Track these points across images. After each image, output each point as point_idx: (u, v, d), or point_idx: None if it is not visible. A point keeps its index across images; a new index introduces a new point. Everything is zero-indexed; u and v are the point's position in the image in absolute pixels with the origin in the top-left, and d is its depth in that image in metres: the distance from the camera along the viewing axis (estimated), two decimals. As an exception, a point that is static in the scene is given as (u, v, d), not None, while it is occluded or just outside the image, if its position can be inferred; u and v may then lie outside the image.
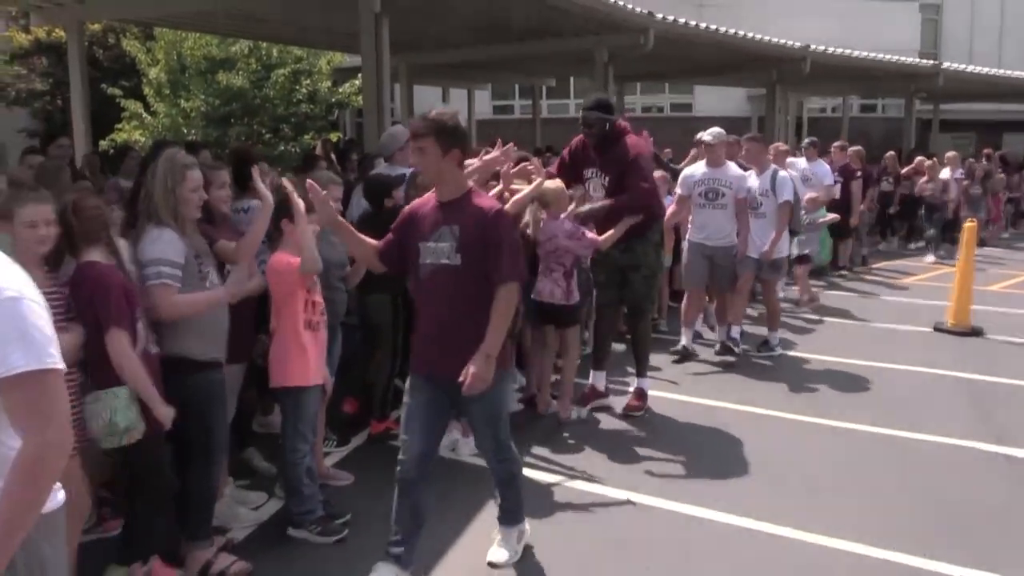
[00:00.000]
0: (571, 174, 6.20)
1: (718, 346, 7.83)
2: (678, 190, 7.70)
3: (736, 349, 7.60)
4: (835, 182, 11.54)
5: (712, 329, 8.43)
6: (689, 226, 7.74)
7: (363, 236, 4.02)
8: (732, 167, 7.63)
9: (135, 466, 3.74)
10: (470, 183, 3.82)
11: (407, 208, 3.97)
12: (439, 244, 3.62)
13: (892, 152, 15.76)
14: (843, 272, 12.56)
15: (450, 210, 3.66)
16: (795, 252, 10.03)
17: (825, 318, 9.68)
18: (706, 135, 7.57)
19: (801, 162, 11.13)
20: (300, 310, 4.25)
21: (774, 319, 8.06)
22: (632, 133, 6.10)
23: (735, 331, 7.71)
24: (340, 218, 3.99)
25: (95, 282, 3.44)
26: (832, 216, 10.76)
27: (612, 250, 5.98)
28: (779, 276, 8.33)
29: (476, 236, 3.58)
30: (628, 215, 5.84)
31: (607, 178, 5.97)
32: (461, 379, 3.52)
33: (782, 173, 7.81)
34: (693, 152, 8.77)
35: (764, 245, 7.63)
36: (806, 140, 12.04)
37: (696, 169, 7.64)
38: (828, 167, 11.46)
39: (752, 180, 7.72)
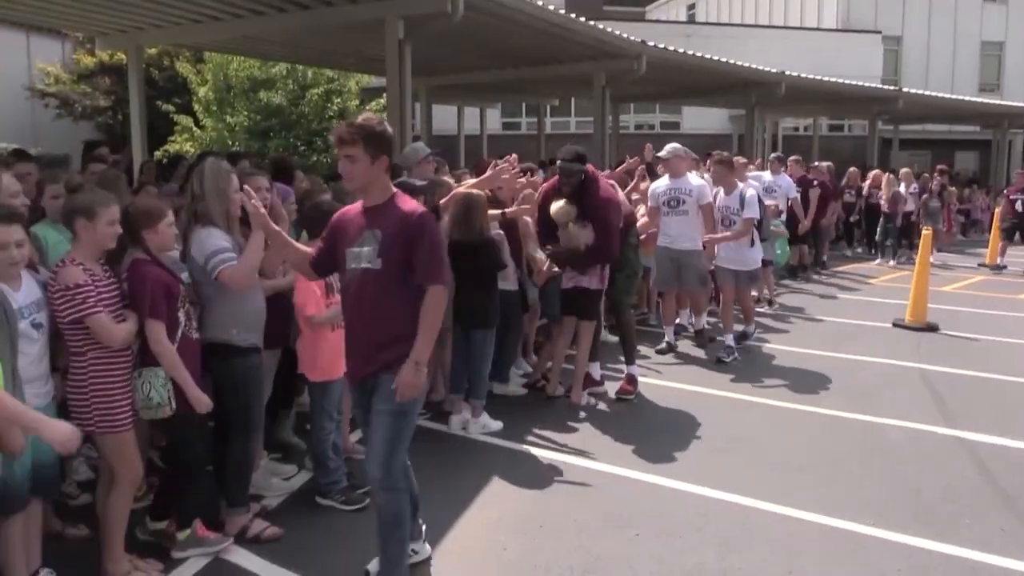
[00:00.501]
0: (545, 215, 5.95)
1: (706, 340, 7.77)
2: (648, 203, 7.46)
3: (727, 359, 7.20)
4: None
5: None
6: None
7: (298, 245, 3.69)
8: (692, 177, 7.39)
9: (168, 439, 3.76)
10: (393, 188, 3.36)
11: (335, 216, 3.53)
12: (362, 248, 3.21)
13: (854, 168, 15.59)
14: (799, 274, 12.17)
15: (374, 215, 3.25)
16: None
17: (795, 315, 9.62)
18: (663, 151, 7.34)
19: (766, 175, 10.90)
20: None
21: (749, 316, 7.90)
22: (599, 181, 5.94)
23: (729, 339, 7.36)
24: (274, 226, 3.56)
25: (137, 278, 3.45)
26: (782, 230, 10.39)
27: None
28: (754, 284, 8.14)
29: (399, 240, 3.16)
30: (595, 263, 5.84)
31: (583, 220, 5.76)
32: (393, 387, 3.15)
33: (750, 192, 7.47)
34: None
35: (744, 260, 7.39)
36: (772, 155, 11.70)
37: (660, 183, 7.42)
38: (791, 180, 11.19)
39: (720, 198, 7.45)
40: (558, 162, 5.84)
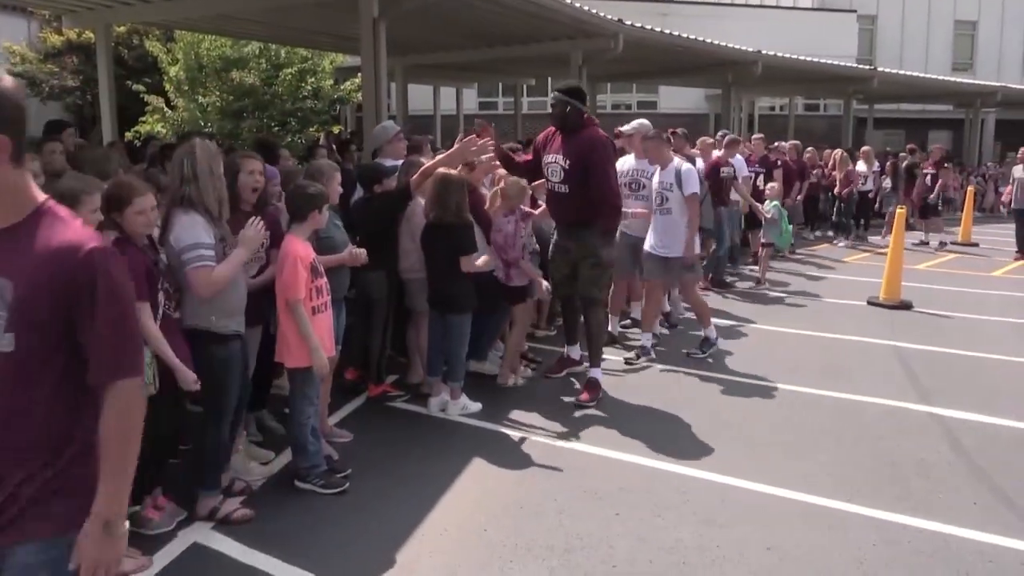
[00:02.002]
0: (536, 161, 5.86)
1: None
2: None
3: (639, 359, 6.59)
4: (756, 173, 10.84)
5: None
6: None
7: None
8: None
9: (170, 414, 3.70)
10: (42, 196, 1.87)
11: None
12: None
13: (812, 148, 15.09)
14: (753, 264, 11.12)
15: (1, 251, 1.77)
16: (761, 239, 10.08)
17: (769, 294, 9.69)
18: (626, 127, 6.84)
19: (716, 154, 9.90)
20: (307, 299, 4.11)
21: (704, 317, 6.87)
22: (597, 127, 5.65)
23: (645, 339, 6.72)
24: None
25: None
26: (773, 215, 10.00)
27: (568, 243, 5.69)
28: (696, 276, 6.92)
29: (49, 296, 1.75)
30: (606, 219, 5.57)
31: (568, 161, 5.50)
32: (73, 567, 1.82)
33: (686, 166, 6.61)
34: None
35: (674, 244, 6.47)
36: (719, 133, 10.75)
37: (626, 160, 6.98)
38: (743, 160, 10.49)
39: (656, 176, 6.57)
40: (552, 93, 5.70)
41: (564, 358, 6.25)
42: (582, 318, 6.01)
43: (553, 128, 5.75)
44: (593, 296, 5.78)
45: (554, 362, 6.30)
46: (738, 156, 10.43)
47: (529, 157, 6.13)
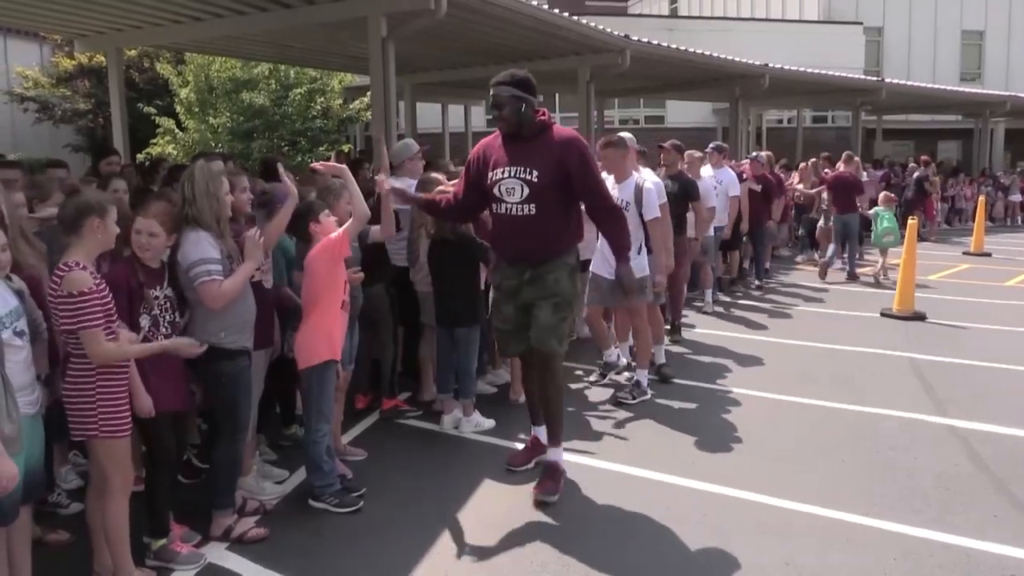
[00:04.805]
0: (476, 188, 4.45)
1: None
2: None
3: (631, 400, 5.94)
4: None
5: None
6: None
7: None
8: (647, 173, 6.24)
9: (146, 436, 3.69)
10: None
11: None
12: None
13: (804, 163, 14.25)
14: (735, 289, 10.52)
15: None
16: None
17: (780, 306, 9.65)
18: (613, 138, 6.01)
19: (706, 169, 8.84)
20: (342, 290, 4.15)
21: (644, 350, 6.10)
22: (557, 124, 4.37)
23: (641, 375, 6.08)
24: None
25: (110, 279, 3.39)
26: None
27: (517, 281, 4.38)
28: (647, 298, 5.99)
29: None
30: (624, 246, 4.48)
31: (535, 172, 4.16)
32: None
33: (648, 184, 5.90)
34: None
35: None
36: (711, 145, 9.55)
37: (705, 171, 6.43)
38: (734, 174, 9.52)
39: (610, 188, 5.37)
40: (491, 90, 4.28)
41: (532, 443, 4.79)
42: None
43: (494, 137, 4.45)
44: (551, 348, 4.30)
45: (519, 450, 4.86)
46: (728, 171, 9.49)
47: (455, 191, 4.67)
